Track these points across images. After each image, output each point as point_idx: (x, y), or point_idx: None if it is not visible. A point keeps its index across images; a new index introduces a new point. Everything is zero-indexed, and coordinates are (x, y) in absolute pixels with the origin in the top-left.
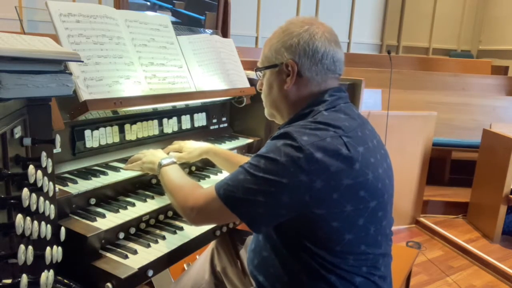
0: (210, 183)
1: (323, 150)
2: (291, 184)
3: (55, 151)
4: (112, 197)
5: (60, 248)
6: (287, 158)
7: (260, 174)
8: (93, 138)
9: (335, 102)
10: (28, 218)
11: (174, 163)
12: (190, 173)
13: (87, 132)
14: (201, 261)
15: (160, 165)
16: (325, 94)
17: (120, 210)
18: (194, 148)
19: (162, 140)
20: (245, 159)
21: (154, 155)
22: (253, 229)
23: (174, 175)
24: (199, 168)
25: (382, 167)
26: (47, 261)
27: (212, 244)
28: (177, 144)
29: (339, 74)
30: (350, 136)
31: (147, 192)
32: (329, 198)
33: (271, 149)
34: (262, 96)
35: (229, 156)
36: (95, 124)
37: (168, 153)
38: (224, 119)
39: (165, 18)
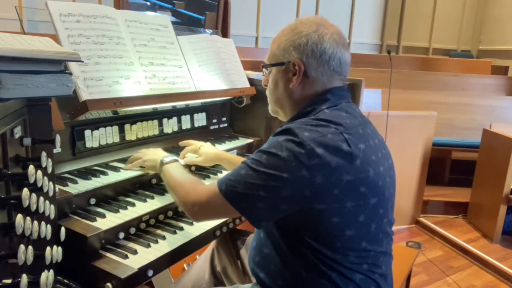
0: (210, 183)
1: (324, 145)
2: (292, 179)
3: (55, 151)
4: (112, 197)
5: (60, 248)
6: (288, 153)
7: (261, 169)
8: (93, 138)
9: (337, 101)
10: (28, 218)
11: (176, 161)
12: (190, 172)
13: (87, 132)
14: (201, 261)
15: (162, 163)
16: (328, 93)
17: (120, 210)
18: (208, 153)
19: (162, 140)
20: None
21: (155, 153)
22: (254, 224)
23: (176, 172)
24: (199, 168)
25: (383, 165)
26: (47, 261)
27: (212, 244)
28: (193, 145)
29: (344, 76)
30: (351, 133)
31: (147, 192)
32: (330, 193)
33: (272, 145)
34: (267, 93)
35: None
36: (95, 124)
37: (185, 155)
38: (224, 119)
39: (165, 18)
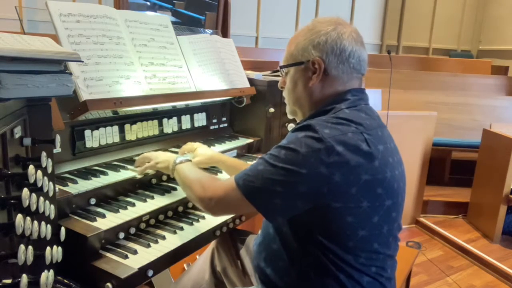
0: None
1: (344, 144)
2: (310, 175)
3: (55, 151)
4: (112, 197)
5: (60, 248)
6: (307, 149)
7: (280, 164)
8: (93, 138)
9: (357, 102)
10: (28, 218)
11: (189, 161)
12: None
13: (87, 132)
14: (201, 261)
15: (175, 163)
16: (348, 93)
17: (120, 210)
18: (204, 154)
19: (162, 140)
20: None
21: (166, 155)
22: (269, 219)
23: (191, 170)
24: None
25: (398, 170)
26: (47, 261)
27: (212, 244)
28: (190, 145)
29: (362, 74)
30: (371, 134)
31: (147, 192)
32: (347, 192)
33: (292, 140)
34: (285, 94)
35: (239, 164)
36: (95, 124)
37: (184, 153)
38: (224, 119)
39: (165, 18)
